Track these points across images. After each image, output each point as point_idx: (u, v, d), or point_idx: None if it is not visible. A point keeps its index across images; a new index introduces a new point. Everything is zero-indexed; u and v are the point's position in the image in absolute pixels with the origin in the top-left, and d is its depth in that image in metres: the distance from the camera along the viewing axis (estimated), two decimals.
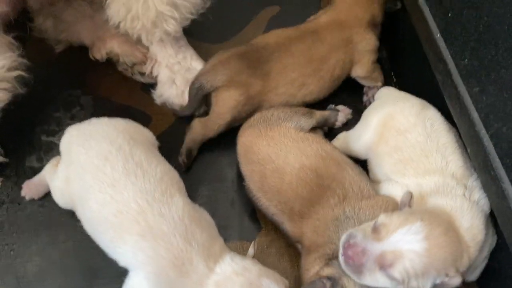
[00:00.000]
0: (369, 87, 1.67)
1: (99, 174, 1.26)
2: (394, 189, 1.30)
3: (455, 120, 1.24)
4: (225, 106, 1.51)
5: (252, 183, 1.40)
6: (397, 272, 1.05)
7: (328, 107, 1.62)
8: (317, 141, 1.40)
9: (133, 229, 1.20)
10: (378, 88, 1.65)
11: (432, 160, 1.26)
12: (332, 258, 1.22)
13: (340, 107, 1.63)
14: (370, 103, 1.60)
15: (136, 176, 1.25)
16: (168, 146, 1.50)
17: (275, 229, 1.44)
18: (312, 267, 1.23)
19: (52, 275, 1.38)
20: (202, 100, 1.57)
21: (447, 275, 1.07)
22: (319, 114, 1.52)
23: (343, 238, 1.13)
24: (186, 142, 1.55)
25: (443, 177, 1.21)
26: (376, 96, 1.58)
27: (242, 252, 1.32)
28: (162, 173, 1.30)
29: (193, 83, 1.55)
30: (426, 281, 1.07)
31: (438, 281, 1.08)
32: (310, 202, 1.29)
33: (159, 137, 1.51)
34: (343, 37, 1.58)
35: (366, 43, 1.60)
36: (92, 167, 1.27)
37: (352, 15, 1.62)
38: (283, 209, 1.33)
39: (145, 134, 1.43)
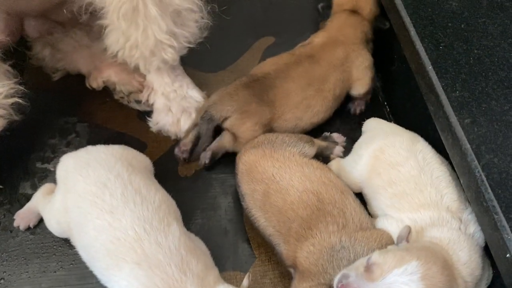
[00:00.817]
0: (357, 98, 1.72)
1: (98, 201, 1.25)
2: (389, 225, 1.30)
3: (448, 151, 1.26)
4: (246, 138, 1.54)
5: (253, 201, 1.40)
6: None
7: (323, 134, 1.65)
8: (321, 168, 1.42)
9: (130, 256, 1.18)
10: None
11: (426, 194, 1.23)
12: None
13: (335, 135, 1.65)
14: (357, 111, 1.69)
15: (134, 203, 1.25)
16: (162, 173, 1.50)
17: (270, 259, 1.44)
18: None
19: None
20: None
21: None
22: (318, 144, 1.55)
23: (336, 278, 1.12)
24: (213, 147, 1.58)
25: (438, 211, 1.21)
26: (364, 128, 1.59)
27: (236, 283, 1.31)
28: (161, 201, 1.29)
29: (202, 117, 1.57)
30: None
31: None
32: (308, 224, 1.29)
33: (154, 164, 1.52)
34: (340, 55, 1.66)
35: (363, 59, 1.66)
36: (90, 194, 1.26)
37: (344, 33, 1.68)
38: (280, 229, 1.34)
39: (143, 160, 1.43)
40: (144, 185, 1.30)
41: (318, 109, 1.61)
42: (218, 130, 1.60)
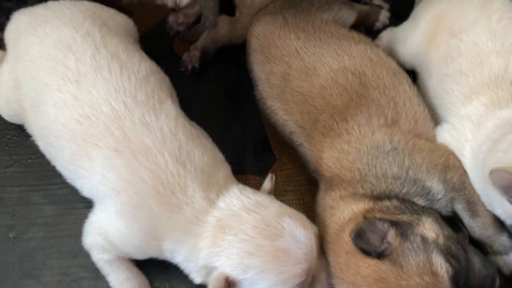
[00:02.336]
0: None
1: (58, 68, 0.92)
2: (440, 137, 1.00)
3: None
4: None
5: (269, 88, 1.08)
6: None
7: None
8: (365, 42, 1.08)
9: (104, 141, 0.87)
10: None
11: (486, 68, 0.96)
12: (377, 197, 0.90)
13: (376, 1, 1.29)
14: None
15: (110, 70, 0.91)
16: (153, 50, 1.12)
17: (293, 161, 1.13)
18: (341, 205, 0.92)
19: None
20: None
21: None
22: (359, 8, 1.20)
23: None
24: (204, 42, 1.22)
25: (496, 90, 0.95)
26: None
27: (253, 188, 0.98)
28: (148, 71, 0.95)
29: None
30: None
31: None
32: (343, 114, 0.98)
33: (140, 39, 1.16)
34: None
35: None
36: (48, 60, 0.94)
37: None
38: (304, 124, 1.02)
39: (123, 22, 1.07)
40: (124, 50, 0.96)
41: None
42: None
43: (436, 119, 1.05)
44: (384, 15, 1.27)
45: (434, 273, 0.79)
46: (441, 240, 0.82)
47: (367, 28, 1.26)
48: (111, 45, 0.94)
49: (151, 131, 0.86)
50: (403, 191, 0.90)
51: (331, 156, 0.97)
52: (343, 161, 0.95)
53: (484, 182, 0.90)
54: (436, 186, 0.91)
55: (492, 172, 0.81)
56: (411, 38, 1.12)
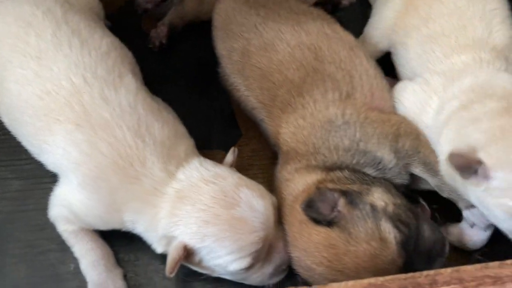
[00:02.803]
0: None
1: (19, 44, 0.93)
2: (412, 90, 1.00)
3: None
4: None
5: (231, 65, 1.09)
6: None
7: None
8: (323, 17, 1.09)
9: (65, 115, 0.88)
10: None
11: (470, 32, 0.97)
12: (329, 169, 0.92)
13: None
14: None
15: (70, 46, 0.92)
16: (121, 28, 1.13)
17: (258, 136, 1.14)
18: (296, 177, 0.94)
19: None
20: None
21: None
22: None
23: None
24: (171, 18, 1.23)
25: (478, 52, 0.96)
26: None
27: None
28: (109, 47, 0.96)
29: None
30: None
31: None
32: (300, 89, 0.99)
33: (110, 18, 1.18)
34: None
35: None
36: (9, 37, 0.94)
37: None
38: (264, 99, 1.03)
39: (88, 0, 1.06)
40: (86, 26, 0.97)
41: None
42: None
43: None
44: None
45: (382, 239, 0.81)
46: (390, 208, 0.84)
47: (333, 6, 1.26)
48: (72, 21, 0.95)
49: (110, 105, 0.87)
50: (354, 162, 0.92)
51: (288, 131, 0.98)
52: (298, 135, 0.96)
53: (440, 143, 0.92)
54: (387, 155, 0.93)
55: (450, 155, 0.83)
56: (388, 8, 1.11)
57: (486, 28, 0.98)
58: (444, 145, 0.91)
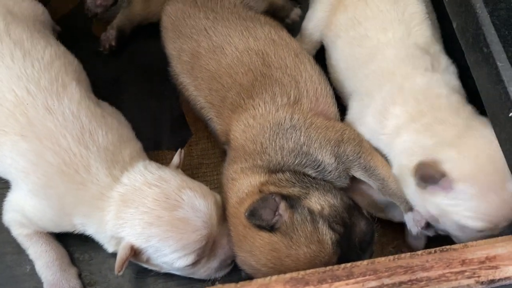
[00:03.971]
0: None
1: None
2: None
3: None
4: None
5: (180, 65, 1.11)
6: None
7: None
8: (270, 24, 1.12)
9: (10, 127, 0.91)
10: None
11: (390, 34, 1.03)
12: (270, 171, 0.97)
13: None
14: None
15: (13, 58, 0.94)
16: (72, 32, 1.16)
17: (208, 136, 1.18)
18: (241, 177, 0.98)
19: None
20: None
21: None
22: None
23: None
24: (119, 21, 1.25)
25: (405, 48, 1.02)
26: None
27: (167, 163, 1.04)
28: (53, 56, 0.99)
29: None
30: None
31: None
32: (249, 93, 1.02)
33: (59, 22, 1.19)
34: None
35: None
36: None
37: None
38: (213, 100, 1.06)
39: (33, 9, 1.09)
40: (28, 37, 0.99)
41: None
42: None
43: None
44: (295, 13, 1.28)
45: (319, 241, 0.87)
46: (326, 211, 0.90)
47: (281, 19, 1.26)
48: (14, 33, 0.97)
49: (53, 115, 0.90)
50: (296, 162, 0.97)
51: (238, 129, 1.02)
52: (248, 134, 1.00)
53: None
54: (328, 159, 0.98)
55: (417, 167, 0.88)
56: (320, 4, 1.15)
57: (406, 30, 1.03)
58: (399, 155, 0.97)
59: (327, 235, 0.88)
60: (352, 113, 1.07)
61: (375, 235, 0.93)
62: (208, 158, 1.17)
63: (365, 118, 1.02)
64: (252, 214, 0.88)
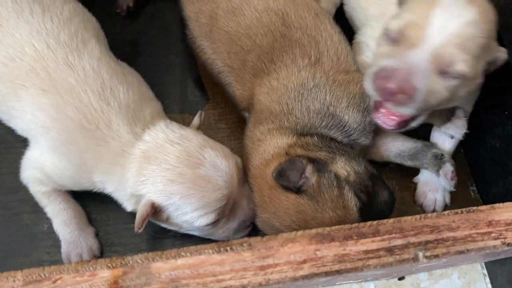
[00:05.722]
0: None
1: None
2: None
3: None
4: None
5: (198, 27, 1.09)
6: (461, 64, 0.80)
7: None
8: None
9: (30, 81, 0.89)
10: None
11: None
12: (298, 133, 0.97)
13: None
14: None
15: (32, 12, 0.92)
16: None
17: (226, 101, 1.17)
18: (268, 139, 0.97)
19: None
20: None
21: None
22: None
23: (369, 77, 0.86)
24: None
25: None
26: None
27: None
28: (72, 12, 0.97)
29: None
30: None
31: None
32: (270, 56, 1.01)
33: None
34: None
35: None
36: None
37: None
38: (232, 63, 1.05)
39: None
40: None
41: None
42: None
43: None
44: None
45: (345, 207, 0.87)
46: (351, 178, 0.90)
47: None
48: None
49: (74, 70, 0.89)
50: (322, 124, 0.96)
51: (261, 92, 1.01)
52: (272, 95, 0.99)
53: None
54: (354, 116, 0.97)
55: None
56: None
57: None
58: None
59: (352, 201, 0.88)
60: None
61: (395, 206, 0.93)
62: (226, 122, 1.16)
63: None
64: (280, 175, 0.88)
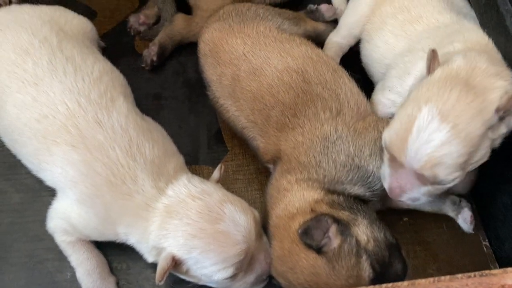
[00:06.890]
0: None
1: (18, 71, 0.99)
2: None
3: None
4: (208, 9, 1.27)
5: (221, 88, 1.14)
6: (446, 177, 0.88)
7: (308, 8, 1.35)
8: (306, 44, 1.15)
9: (62, 138, 0.94)
10: None
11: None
12: (325, 189, 0.99)
13: (323, 6, 1.34)
14: None
15: (65, 72, 0.98)
16: (115, 48, 1.21)
17: (244, 152, 1.21)
18: (295, 189, 0.99)
19: None
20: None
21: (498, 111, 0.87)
22: (310, 25, 1.27)
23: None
24: (161, 38, 1.29)
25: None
26: None
27: (204, 178, 1.07)
28: (101, 72, 1.03)
29: None
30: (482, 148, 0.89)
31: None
32: (293, 111, 1.05)
33: (104, 37, 1.23)
34: None
35: None
36: (8, 64, 1.00)
37: None
38: (256, 119, 1.09)
39: (81, 26, 1.14)
40: (79, 53, 1.03)
41: None
42: None
43: None
44: (326, 11, 1.31)
45: (358, 277, 0.88)
46: (370, 246, 0.91)
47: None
48: (66, 49, 1.02)
49: (103, 128, 0.94)
50: (348, 179, 0.99)
51: (287, 146, 1.05)
52: (299, 149, 1.03)
53: None
54: (378, 164, 1.00)
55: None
56: (358, 8, 1.22)
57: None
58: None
59: (367, 272, 0.89)
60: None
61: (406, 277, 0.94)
62: (243, 174, 1.19)
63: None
64: (305, 233, 0.89)
